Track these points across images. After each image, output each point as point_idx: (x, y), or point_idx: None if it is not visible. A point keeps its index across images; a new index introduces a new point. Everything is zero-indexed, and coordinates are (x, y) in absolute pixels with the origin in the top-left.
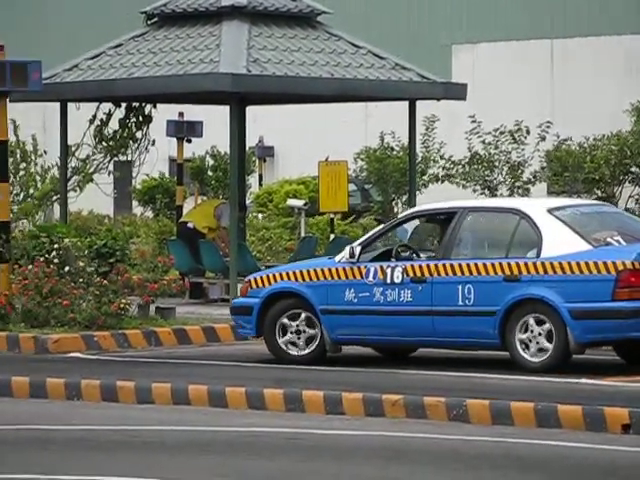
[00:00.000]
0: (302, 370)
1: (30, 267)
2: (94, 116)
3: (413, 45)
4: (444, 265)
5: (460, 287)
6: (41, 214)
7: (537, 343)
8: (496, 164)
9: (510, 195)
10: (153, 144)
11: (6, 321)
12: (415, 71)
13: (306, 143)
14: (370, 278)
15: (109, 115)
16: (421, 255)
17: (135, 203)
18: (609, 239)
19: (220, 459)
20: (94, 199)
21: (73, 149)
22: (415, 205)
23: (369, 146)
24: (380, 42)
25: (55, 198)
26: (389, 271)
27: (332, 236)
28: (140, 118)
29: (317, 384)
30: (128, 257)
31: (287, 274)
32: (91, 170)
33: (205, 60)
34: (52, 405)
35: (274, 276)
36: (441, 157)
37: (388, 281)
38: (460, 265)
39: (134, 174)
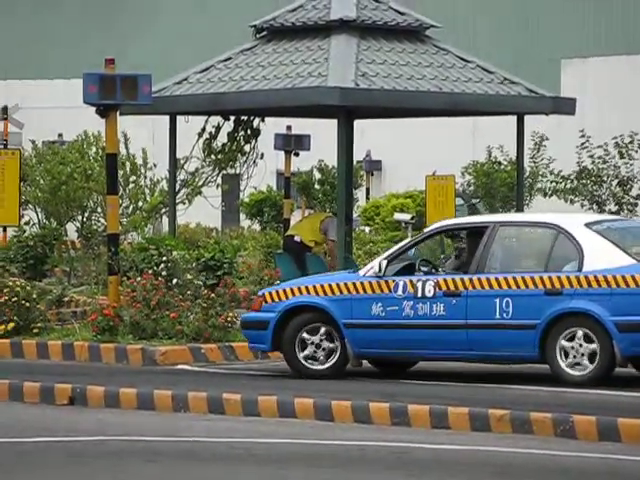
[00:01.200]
0: (406, 384)
1: (138, 279)
2: (203, 129)
3: (522, 59)
4: (479, 279)
5: (497, 300)
6: (150, 227)
7: (580, 356)
8: (604, 179)
9: (619, 210)
10: (261, 157)
11: (114, 333)
12: (523, 85)
13: (413, 157)
14: (399, 292)
15: (218, 128)
16: (439, 270)
17: (243, 216)
18: None
19: (327, 472)
20: (202, 212)
21: (182, 162)
22: None
23: (477, 160)
24: (488, 56)
25: (164, 211)
26: (419, 285)
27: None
28: (248, 131)
29: (422, 398)
30: (235, 270)
31: (306, 288)
32: (200, 183)
33: (313, 74)
34: (159, 417)
35: (291, 290)
36: (550, 172)
37: (419, 295)
38: (497, 279)
39: (242, 187)
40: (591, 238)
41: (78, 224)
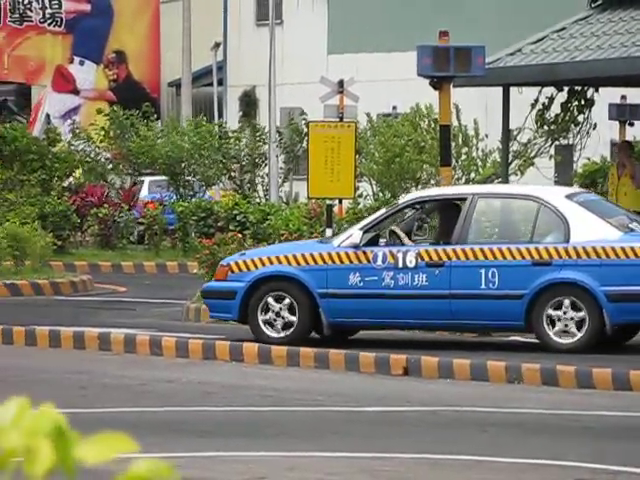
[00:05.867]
0: None
1: None
2: (536, 100)
3: None
4: (463, 249)
5: (483, 271)
6: None
7: (568, 325)
8: None
9: None
10: (594, 128)
11: None
12: None
13: None
14: (379, 262)
15: (551, 99)
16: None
17: (576, 187)
18: (630, 225)
19: None
20: (534, 183)
21: (514, 133)
22: None
23: None
24: None
25: (496, 182)
26: (400, 255)
27: None
28: (582, 102)
29: None
30: None
31: (277, 258)
32: (532, 154)
33: None
34: (492, 388)
35: (261, 260)
36: None
37: (400, 265)
38: (482, 249)
39: (575, 158)
40: (574, 210)
41: None
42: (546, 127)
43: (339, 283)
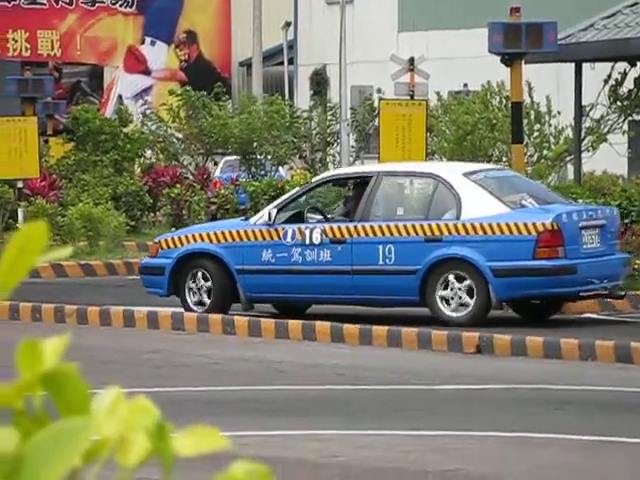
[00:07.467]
0: None
1: None
2: (609, 76)
3: None
4: (363, 226)
5: (381, 247)
6: (554, 175)
7: (459, 299)
8: None
9: None
10: None
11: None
12: None
13: None
14: (288, 239)
15: (624, 74)
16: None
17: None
18: (523, 202)
19: None
20: (608, 159)
21: (587, 109)
22: None
23: None
24: None
25: (569, 159)
26: (307, 232)
27: None
28: None
29: None
30: None
31: (200, 235)
32: (605, 130)
33: None
34: (565, 365)
35: (187, 237)
36: None
37: (307, 242)
38: (380, 226)
39: None
40: (468, 187)
41: None
42: (619, 103)
43: (253, 260)
